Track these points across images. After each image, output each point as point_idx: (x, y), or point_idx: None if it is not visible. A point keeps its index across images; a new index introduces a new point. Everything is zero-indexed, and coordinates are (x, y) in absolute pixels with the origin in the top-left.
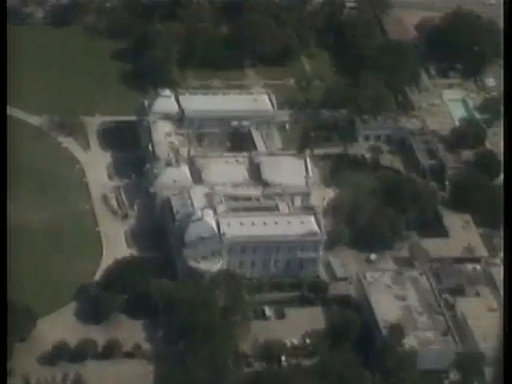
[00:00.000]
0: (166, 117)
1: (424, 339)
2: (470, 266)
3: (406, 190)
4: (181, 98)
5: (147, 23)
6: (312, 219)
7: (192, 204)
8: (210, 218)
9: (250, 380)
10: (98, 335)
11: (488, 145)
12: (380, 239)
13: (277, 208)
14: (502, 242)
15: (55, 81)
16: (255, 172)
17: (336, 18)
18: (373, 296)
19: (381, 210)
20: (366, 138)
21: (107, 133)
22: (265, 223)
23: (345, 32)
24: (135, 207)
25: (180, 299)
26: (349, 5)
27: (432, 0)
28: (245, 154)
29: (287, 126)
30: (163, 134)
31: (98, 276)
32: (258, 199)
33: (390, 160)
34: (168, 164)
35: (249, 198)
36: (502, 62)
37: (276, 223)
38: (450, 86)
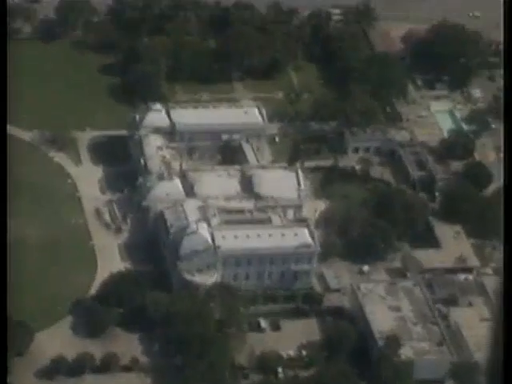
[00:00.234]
0: (157, 131)
1: (419, 349)
2: (462, 276)
3: (397, 201)
4: (171, 111)
5: (135, 37)
6: (305, 231)
7: (186, 217)
8: (204, 231)
9: None
10: (95, 349)
11: (477, 156)
12: (372, 250)
13: (270, 220)
14: (501, 253)
15: (45, 95)
16: (247, 185)
17: (322, 30)
18: (367, 307)
19: (372, 222)
20: (356, 150)
21: (98, 147)
22: (259, 236)
23: (331, 45)
24: (128, 221)
25: (175, 312)
26: (335, 18)
27: (418, 12)
28: (236, 167)
29: (277, 139)
30: (155, 148)
31: (93, 290)
32: (250, 212)
33: (380, 172)
34: (160, 178)
35: (241, 211)
36: (502, 67)
37: (270, 236)
38: (437, 98)
